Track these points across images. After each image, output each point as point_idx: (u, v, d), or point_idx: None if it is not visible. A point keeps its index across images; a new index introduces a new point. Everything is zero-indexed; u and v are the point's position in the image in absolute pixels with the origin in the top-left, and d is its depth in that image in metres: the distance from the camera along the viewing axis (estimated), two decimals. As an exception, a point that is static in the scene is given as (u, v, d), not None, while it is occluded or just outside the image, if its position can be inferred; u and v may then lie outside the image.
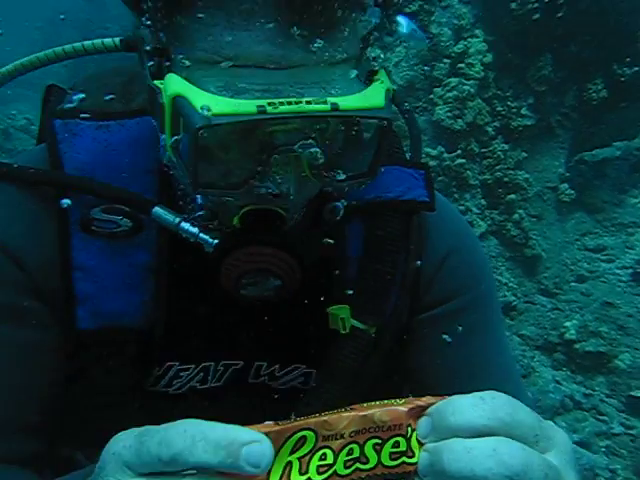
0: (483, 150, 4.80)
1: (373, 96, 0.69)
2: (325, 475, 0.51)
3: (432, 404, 0.53)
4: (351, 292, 0.92)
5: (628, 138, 4.90)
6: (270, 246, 0.76)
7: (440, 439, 0.51)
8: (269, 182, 0.72)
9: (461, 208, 4.67)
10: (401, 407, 0.53)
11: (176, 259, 0.87)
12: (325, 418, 0.51)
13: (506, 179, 4.79)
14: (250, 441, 0.48)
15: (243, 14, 0.63)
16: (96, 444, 0.56)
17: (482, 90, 4.82)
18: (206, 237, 0.80)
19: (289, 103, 0.65)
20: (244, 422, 0.51)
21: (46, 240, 0.85)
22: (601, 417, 4.01)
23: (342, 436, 0.51)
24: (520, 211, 4.81)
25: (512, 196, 4.79)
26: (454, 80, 4.78)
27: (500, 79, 4.91)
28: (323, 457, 0.51)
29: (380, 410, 0.53)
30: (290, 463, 0.50)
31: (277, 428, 0.50)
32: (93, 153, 0.85)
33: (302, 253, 0.77)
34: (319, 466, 0.51)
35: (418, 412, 0.53)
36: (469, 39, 4.88)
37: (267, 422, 0.51)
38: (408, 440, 0.53)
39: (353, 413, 0.52)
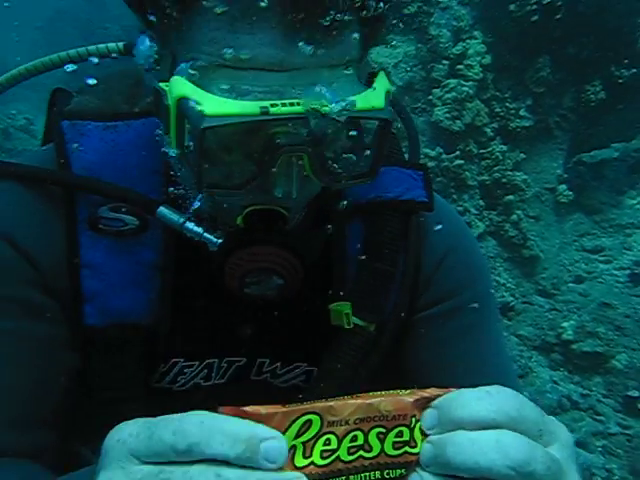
0: (481, 151, 4.81)
1: (373, 97, 0.71)
2: (328, 460, 0.52)
3: (437, 396, 0.54)
4: (351, 290, 0.93)
5: (626, 139, 4.92)
6: (273, 246, 0.77)
7: (445, 431, 0.52)
8: (272, 182, 0.73)
9: (459, 209, 4.68)
10: (407, 397, 0.54)
11: (181, 258, 0.88)
12: (331, 403, 0.52)
13: (504, 180, 4.81)
14: (268, 437, 0.49)
15: (247, 18, 0.65)
16: (101, 439, 0.56)
17: (481, 91, 4.83)
18: (210, 237, 0.81)
19: (291, 104, 0.66)
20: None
21: (55, 238, 0.86)
22: (598, 417, 4.02)
23: (347, 422, 0.52)
24: (518, 212, 4.82)
25: (510, 197, 4.81)
26: (453, 81, 4.79)
27: (499, 80, 4.92)
28: (327, 442, 0.52)
29: (386, 399, 0.54)
30: (294, 447, 0.51)
31: (284, 409, 0.51)
32: (100, 153, 0.87)
33: (304, 252, 0.78)
34: (323, 451, 0.52)
35: (423, 403, 0.54)
36: (468, 40, 4.89)
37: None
38: (411, 430, 0.54)
39: (359, 401, 0.53)
